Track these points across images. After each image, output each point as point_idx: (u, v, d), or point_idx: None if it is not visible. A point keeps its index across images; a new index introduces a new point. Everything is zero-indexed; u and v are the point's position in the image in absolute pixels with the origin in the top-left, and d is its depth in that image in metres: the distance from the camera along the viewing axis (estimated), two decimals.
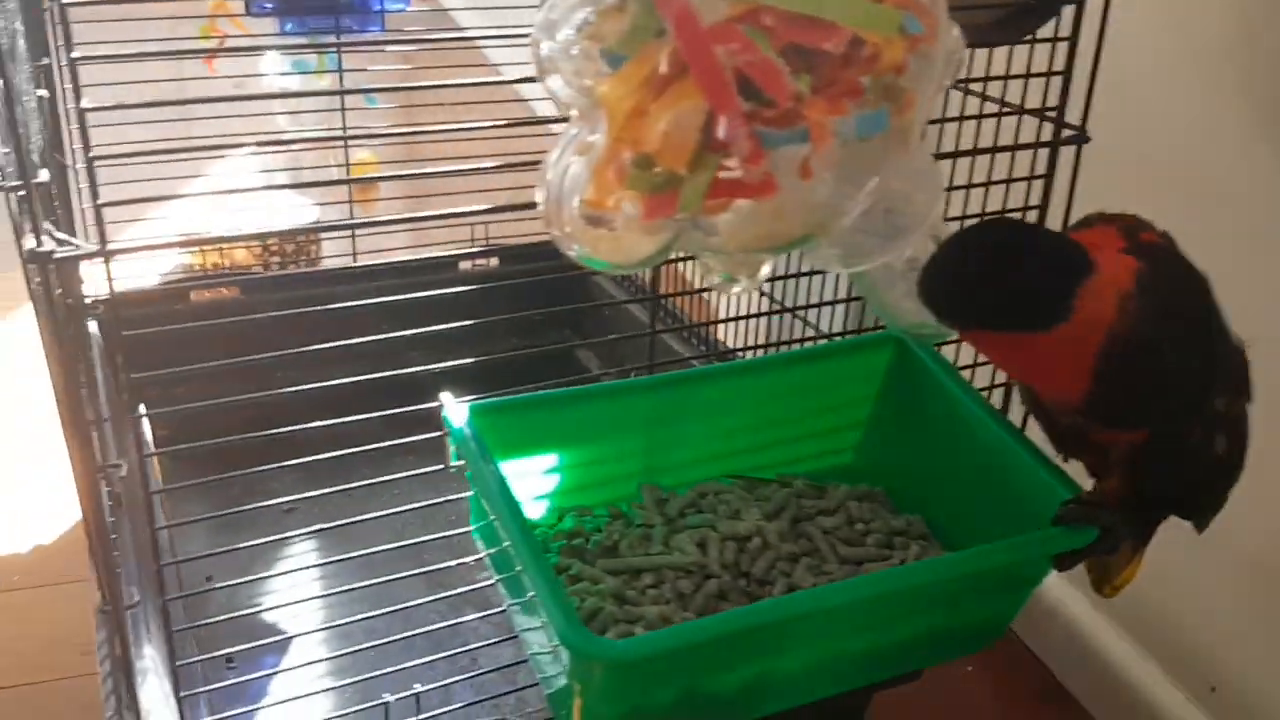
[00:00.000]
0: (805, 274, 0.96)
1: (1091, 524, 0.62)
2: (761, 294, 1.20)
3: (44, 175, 0.58)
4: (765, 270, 0.61)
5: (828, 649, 0.62)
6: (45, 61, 0.67)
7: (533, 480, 0.72)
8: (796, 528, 0.73)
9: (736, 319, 1.07)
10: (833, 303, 0.99)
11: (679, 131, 0.51)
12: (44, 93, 0.70)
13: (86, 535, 0.65)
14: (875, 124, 0.54)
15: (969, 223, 0.86)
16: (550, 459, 0.72)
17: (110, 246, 0.56)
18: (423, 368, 0.74)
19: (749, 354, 1.08)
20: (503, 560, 0.67)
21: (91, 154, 0.52)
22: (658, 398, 0.74)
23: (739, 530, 0.71)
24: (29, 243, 0.54)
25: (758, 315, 0.98)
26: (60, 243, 0.58)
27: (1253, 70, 0.82)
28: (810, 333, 1.08)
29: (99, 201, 0.55)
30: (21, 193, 0.55)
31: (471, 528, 0.72)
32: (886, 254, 0.58)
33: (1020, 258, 0.56)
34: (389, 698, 0.71)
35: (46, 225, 0.61)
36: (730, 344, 1.26)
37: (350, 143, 1.63)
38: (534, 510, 0.73)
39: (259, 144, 0.72)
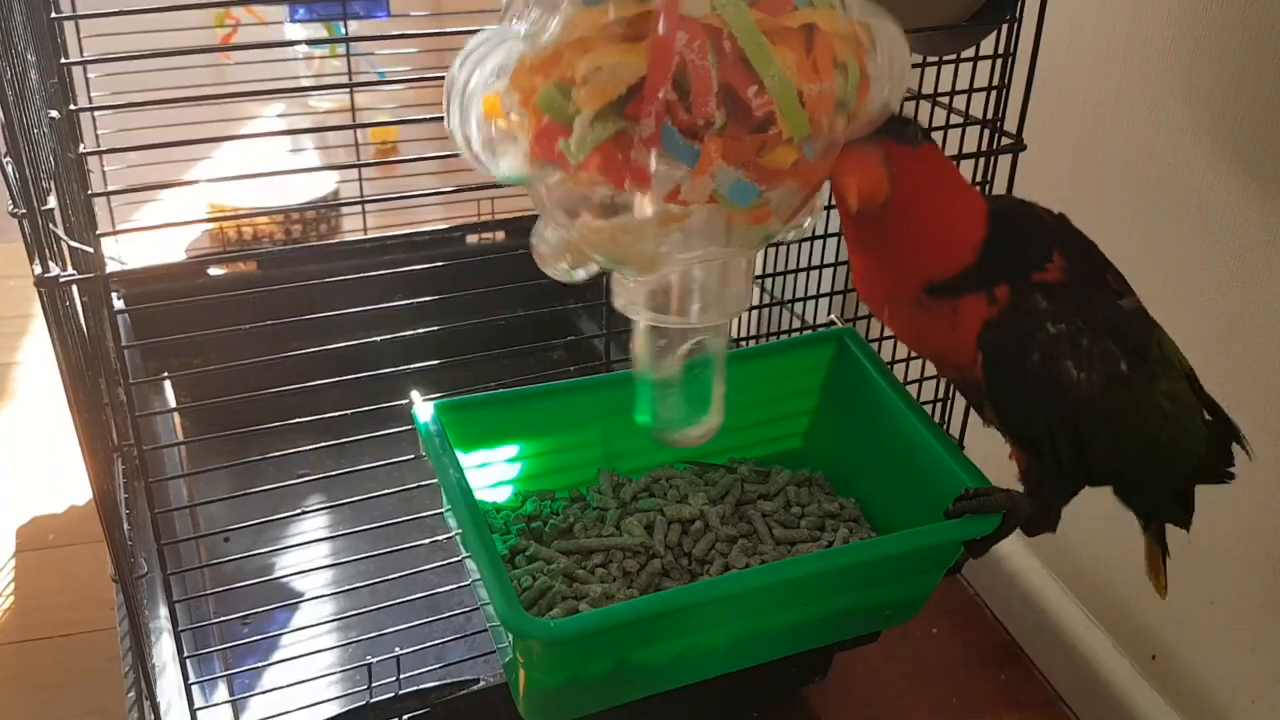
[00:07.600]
0: (795, 271, 1.02)
1: (979, 513, 0.67)
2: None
3: (51, 202, 0.66)
4: (594, 268, 0.62)
5: (749, 626, 0.68)
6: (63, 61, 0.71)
7: (498, 468, 0.79)
8: (739, 510, 0.80)
9: None
10: (817, 296, 1.04)
11: (609, 77, 0.53)
12: (55, 113, 0.76)
13: (99, 512, 0.73)
14: (745, 194, 0.56)
15: None
16: (514, 449, 0.79)
17: (111, 267, 0.64)
18: (429, 328, 0.78)
19: (746, 343, 1.15)
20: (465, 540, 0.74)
21: (81, 148, 0.59)
22: (614, 394, 0.80)
23: (684, 514, 0.78)
24: (37, 268, 0.61)
25: (754, 308, 1.05)
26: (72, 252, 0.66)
27: (1190, 75, 0.85)
28: (798, 324, 1.14)
29: (89, 193, 0.61)
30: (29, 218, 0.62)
31: (444, 509, 0.79)
32: (667, 365, 0.63)
33: None
34: (371, 660, 0.79)
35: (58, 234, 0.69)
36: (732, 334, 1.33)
37: (371, 116, 1.70)
38: (499, 494, 0.80)
39: (259, 134, 0.78)
